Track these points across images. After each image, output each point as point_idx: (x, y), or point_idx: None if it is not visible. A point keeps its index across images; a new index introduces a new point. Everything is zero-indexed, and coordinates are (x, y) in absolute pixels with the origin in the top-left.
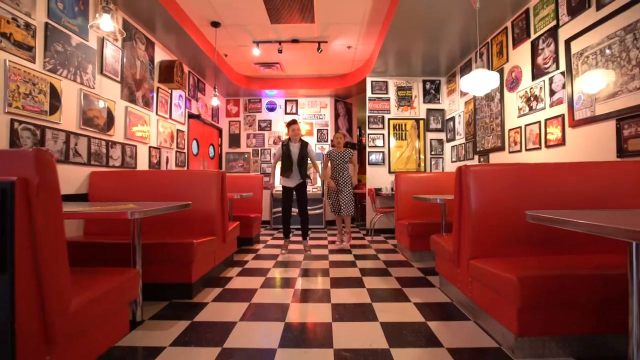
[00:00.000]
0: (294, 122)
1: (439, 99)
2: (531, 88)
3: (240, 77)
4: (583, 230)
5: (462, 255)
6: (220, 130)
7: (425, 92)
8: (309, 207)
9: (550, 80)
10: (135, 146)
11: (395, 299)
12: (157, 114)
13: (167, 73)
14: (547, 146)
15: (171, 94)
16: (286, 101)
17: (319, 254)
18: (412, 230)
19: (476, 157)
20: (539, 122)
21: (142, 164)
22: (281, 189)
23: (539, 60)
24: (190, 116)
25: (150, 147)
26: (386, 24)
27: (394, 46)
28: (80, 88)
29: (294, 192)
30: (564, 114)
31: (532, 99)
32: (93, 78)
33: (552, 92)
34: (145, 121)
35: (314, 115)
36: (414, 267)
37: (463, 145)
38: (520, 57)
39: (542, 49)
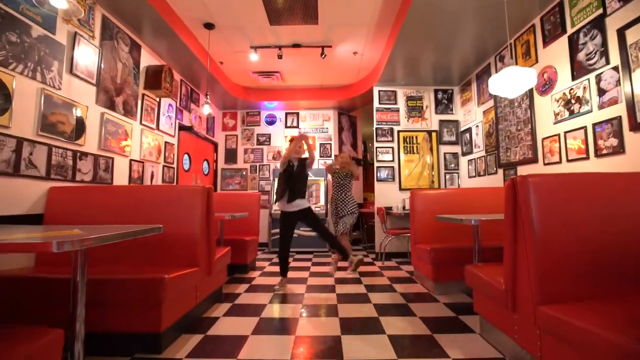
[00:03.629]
0: (301, 136)
1: (452, 110)
2: (571, 89)
3: (237, 88)
4: None
5: (522, 296)
6: (215, 145)
7: (437, 102)
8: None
9: (598, 77)
10: (112, 158)
11: (428, 352)
12: (141, 123)
13: (154, 79)
14: (598, 155)
15: (159, 103)
16: (287, 114)
17: (323, 284)
18: (435, 257)
19: (500, 171)
20: (584, 127)
21: (121, 179)
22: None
23: (580, 56)
24: (182, 128)
25: (131, 160)
26: (397, 24)
27: (405, 52)
28: (41, 87)
29: (298, 220)
30: (620, 116)
31: (572, 101)
32: (59, 77)
33: (601, 92)
34: (127, 131)
35: (317, 129)
36: (439, 302)
37: (483, 158)
38: (554, 55)
39: (584, 44)
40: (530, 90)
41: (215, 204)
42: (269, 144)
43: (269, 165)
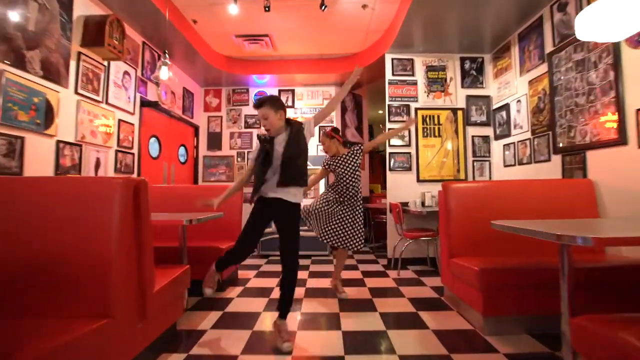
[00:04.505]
0: (262, 102)
1: (482, 83)
2: None
3: (219, 58)
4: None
5: None
6: (196, 128)
7: (464, 74)
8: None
9: None
10: (22, 138)
11: None
12: (77, 92)
13: (96, 33)
14: None
15: (108, 68)
16: (280, 91)
17: (323, 312)
18: (489, 282)
19: (557, 157)
20: None
21: (40, 168)
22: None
23: None
24: (145, 104)
25: (59, 142)
26: None
27: (426, 7)
28: None
29: (274, 217)
30: None
31: None
32: None
33: None
34: (50, 101)
35: (316, 109)
36: (498, 352)
37: (527, 142)
38: None
39: None
40: (616, 44)
41: (184, 202)
42: (259, 127)
43: None
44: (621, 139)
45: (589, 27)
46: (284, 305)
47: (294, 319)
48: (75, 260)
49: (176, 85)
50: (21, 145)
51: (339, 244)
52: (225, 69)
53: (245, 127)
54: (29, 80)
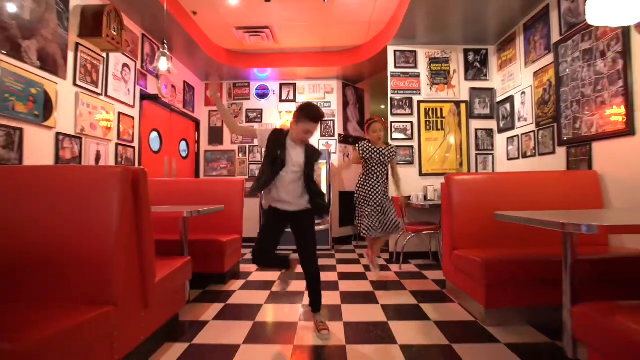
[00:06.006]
0: (321, 116)
1: (485, 75)
2: None
3: (219, 51)
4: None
5: None
6: (197, 122)
7: (468, 66)
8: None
9: None
10: (21, 130)
11: None
12: (75, 84)
13: (93, 23)
14: None
15: (107, 60)
16: (281, 85)
17: (324, 305)
18: (492, 274)
19: (562, 150)
20: None
21: (40, 159)
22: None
23: None
24: (145, 97)
25: (58, 134)
26: None
27: None
28: None
29: (290, 223)
30: None
31: None
32: None
33: None
34: (48, 92)
35: (317, 103)
36: (499, 342)
37: (531, 134)
38: None
39: None
40: (626, 30)
41: (186, 195)
42: (261, 121)
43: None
44: (629, 129)
45: (599, 11)
46: (315, 303)
47: (295, 311)
48: (77, 249)
49: (177, 79)
50: (20, 136)
51: (390, 229)
52: (226, 62)
53: (247, 122)
54: (25, 70)
